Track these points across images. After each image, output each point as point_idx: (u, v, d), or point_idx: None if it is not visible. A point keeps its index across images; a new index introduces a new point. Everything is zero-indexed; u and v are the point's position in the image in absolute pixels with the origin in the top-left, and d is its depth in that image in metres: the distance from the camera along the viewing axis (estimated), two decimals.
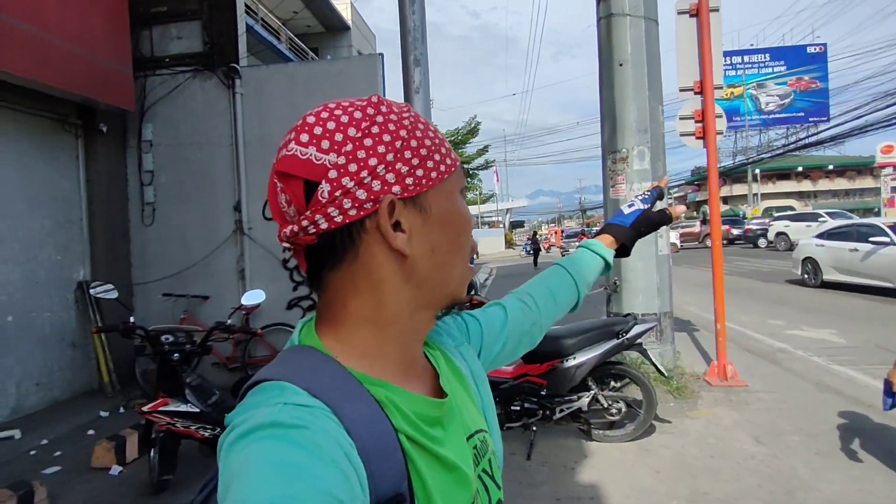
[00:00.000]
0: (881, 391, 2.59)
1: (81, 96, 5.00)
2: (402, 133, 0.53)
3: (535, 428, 3.65)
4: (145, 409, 3.09)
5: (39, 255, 5.00)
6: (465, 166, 26.36)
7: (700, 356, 5.73)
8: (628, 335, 3.62)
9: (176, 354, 3.19)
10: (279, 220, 0.55)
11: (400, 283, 0.54)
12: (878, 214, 21.97)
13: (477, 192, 41.22)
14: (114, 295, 4.03)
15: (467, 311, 0.80)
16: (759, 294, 10.14)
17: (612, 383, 3.80)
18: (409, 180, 0.52)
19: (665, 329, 4.98)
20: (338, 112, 0.52)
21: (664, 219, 0.98)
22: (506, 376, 3.66)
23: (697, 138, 5.01)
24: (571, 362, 3.58)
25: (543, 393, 3.64)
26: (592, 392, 3.67)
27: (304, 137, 0.51)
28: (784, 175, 47.82)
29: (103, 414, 4.89)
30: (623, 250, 0.97)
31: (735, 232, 25.38)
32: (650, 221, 0.97)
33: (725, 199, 42.67)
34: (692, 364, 5.30)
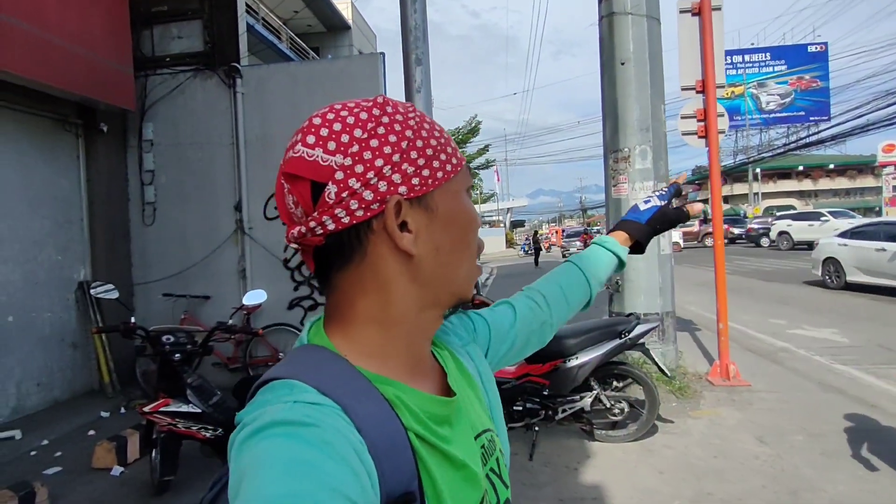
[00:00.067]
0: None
1: (82, 96, 4.98)
2: (408, 133, 0.53)
3: (537, 428, 3.64)
4: (146, 409, 3.08)
5: (40, 255, 4.99)
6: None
7: (702, 356, 5.72)
8: (631, 335, 3.61)
9: (177, 355, 3.18)
10: (287, 221, 0.55)
11: (407, 282, 0.54)
12: (879, 213, 21.95)
13: (477, 192, 41.22)
14: (114, 295, 4.02)
15: (473, 310, 0.79)
16: (761, 293, 10.12)
17: (615, 383, 3.79)
18: (415, 180, 0.52)
19: (667, 329, 4.97)
20: (343, 113, 0.53)
21: (681, 216, 0.96)
22: (508, 376, 3.64)
23: (699, 137, 5.00)
24: (574, 362, 3.57)
25: (546, 393, 3.63)
26: (595, 392, 3.66)
27: (311, 139, 0.52)
28: (785, 174, 47.80)
29: (104, 414, 4.89)
30: (637, 247, 0.95)
31: (736, 231, 25.38)
32: (667, 219, 0.95)
33: (726, 199, 42.60)
34: (694, 364, 5.29)
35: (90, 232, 5.53)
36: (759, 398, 4.43)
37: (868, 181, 46.48)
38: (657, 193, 0.98)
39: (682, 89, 5.04)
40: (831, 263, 10.07)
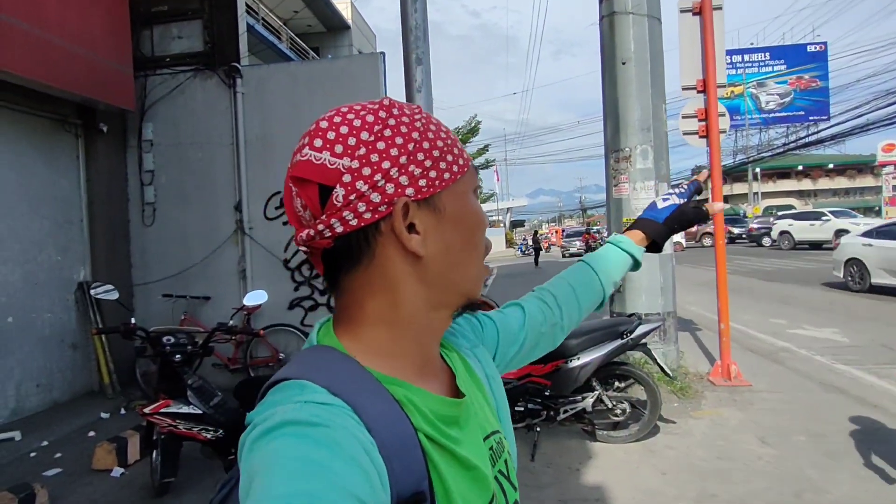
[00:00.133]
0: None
1: (81, 96, 4.97)
2: (414, 135, 0.53)
3: (538, 429, 3.63)
4: (147, 410, 3.06)
5: (39, 255, 4.98)
6: None
7: (703, 356, 5.71)
8: (633, 335, 3.60)
9: (177, 356, 3.16)
10: (295, 223, 0.55)
11: (415, 283, 0.54)
12: (878, 213, 21.96)
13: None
14: (114, 296, 4.00)
15: (481, 312, 0.78)
16: (761, 293, 10.12)
17: (617, 384, 3.78)
18: (422, 182, 0.53)
19: (668, 329, 4.96)
20: (350, 116, 0.53)
21: (701, 216, 0.93)
22: (509, 377, 3.63)
23: (700, 137, 4.99)
24: (575, 363, 3.56)
25: (547, 393, 3.62)
26: (596, 392, 3.65)
27: (318, 142, 0.52)
28: (784, 174, 47.83)
29: (104, 415, 4.87)
30: (654, 247, 0.93)
31: (736, 231, 25.39)
32: (685, 218, 0.92)
33: (726, 198, 42.61)
34: (695, 364, 5.28)
35: (90, 232, 5.52)
36: (761, 398, 4.42)
37: (867, 181, 46.52)
38: (676, 191, 0.94)
39: (683, 89, 5.03)
40: (854, 264, 9.47)
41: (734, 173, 40.61)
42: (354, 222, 0.51)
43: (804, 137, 32.24)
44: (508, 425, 0.67)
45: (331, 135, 0.52)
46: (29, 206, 4.90)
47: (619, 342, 3.58)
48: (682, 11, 4.96)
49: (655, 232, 0.91)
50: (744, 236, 25.39)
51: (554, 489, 3.11)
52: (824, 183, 48.57)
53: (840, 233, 18.03)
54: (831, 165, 47.19)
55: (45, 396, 4.95)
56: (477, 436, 0.58)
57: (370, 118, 0.53)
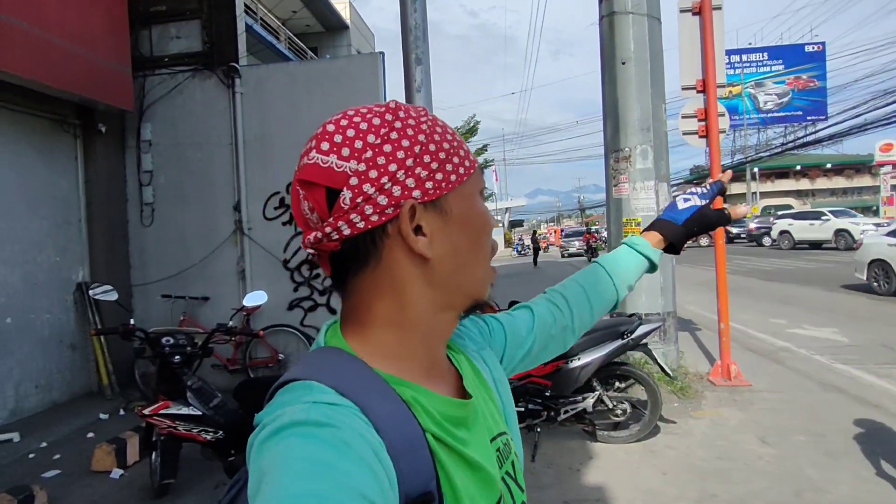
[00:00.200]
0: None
1: (80, 96, 4.95)
2: (421, 137, 0.54)
3: (539, 429, 3.62)
4: (146, 412, 3.05)
5: (38, 256, 4.96)
6: None
7: (703, 356, 5.71)
8: (633, 335, 3.60)
9: (176, 357, 3.15)
10: (303, 226, 0.56)
11: (422, 285, 0.55)
12: (876, 213, 22.00)
13: None
14: (113, 297, 3.99)
15: (489, 314, 0.77)
16: (760, 292, 10.13)
17: (617, 384, 3.78)
18: (428, 184, 0.53)
19: (668, 329, 4.96)
20: (357, 119, 0.53)
21: (722, 219, 0.89)
22: (510, 377, 3.62)
23: (700, 137, 4.99)
24: (576, 363, 3.56)
25: (548, 394, 3.62)
26: (597, 393, 3.65)
27: (325, 146, 0.52)
28: (782, 174, 47.88)
29: (103, 416, 4.86)
30: (671, 249, 0.90)
31: (734, 230, 25.44)
32: (706, 221, 0.89)
33: (724, 198, 42.64)
34: (695, 364, 5.28)
35: (89, 233, 5.51)
36: (761, 398, 4.42)
37: (865, 180, 46.59)
38: (698, 192, 0.91)
39: (683, 89, 5.03)
40: (879, 266, 8.95)
41: (732, 173, 40.59)
42: (361, 225, 0.51)
43: (802, 137, 32.29)
44: (515, 427, 0.67)
45: (337, 138, 0.52)
46: (28, 206, 4.89)
47: (619, 342, 3.58)
48: (681, 11, 4.96)
49: (673, 234, 0.88)
50: (743, 236, 25.44)
51: (555, 489, 3.10)
52: (822, 183, 48.64)
53: (840, 232, 18.08)
54: (829, 165, 47.26)
55: (44, 397, 4.94)
56: (484, 437, 0.58)
57: (376, 121, 0.53)
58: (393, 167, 0.51)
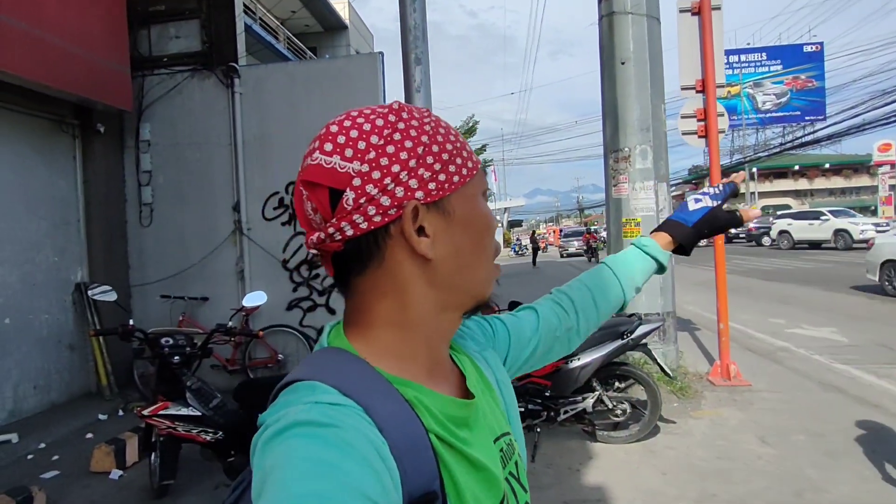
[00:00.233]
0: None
1: (79, 96, 4.94)
2: (424, 139, 0.54)
3: (538, 429, 3.62)
4: (146, 413, 3.04)
5: (37, 256, 4.95)
6: None
7: (702, 356, 5.71)
8: (633, 335, 3.60)
9: (176, 357, 3.14)
10: (306, 227, 0.56)
11: (425, 285, 0.55)
12: (874, 213, 22.04)
13: None
14: (112, 297, 3.98)
15: (493, 315, 0.77)
16: (759, 292, 10.13)
17: (617, 384, 3.78)
18: (431, 185, 0.53)
19: (668, 329, 4.96)
20: (360, 120, 0.53)
21: (734, 221, 0.89)
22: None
23: (699, 137, 4.99)
24: (576, 363, 3.56)
25: (547, 394, 3.62)
26: (597, 393, 3.65)
27: (328, 146, 0.52)
28: (781, 174, 47.90)
29: (102, 417, 4.85)
30: (681, 251, 0.89)
31: (733, 230, 25.48)
32: (718, 223, 0.88)
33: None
34: (695, 364, 5.28)
35: (87, 233, 5.49)
36: (761, 398, 4.42)
37: (863, 180, 46.63)
38: (710, 193, 0.89)
39: (682, 89, 5.03)
40: (892, 267, 8.71)
41: (731, 173, 40.54)
42: (364, 225, 0.51)
43: (801, 137, 32.35)
44: (518, 428, 0.67)
45: (341, 139, 0.52)
46: (26, 206, 4.87)
47: (619, 342, 3.58)
48: (681, 11, 4.96)
49: (683, 236, 0.87)
50: (742, 236, 25.46)
51: (555, 490, 3.10)
52: (820, 182, 48.67)
53: (840, 232, 18.11)
54: (828, 165, 47.31)
55: (43, 398, 4.93)
56: (487, 437, 0.58)
57: (380, 122, 0.53)
58: (396, 168, 0.51)
